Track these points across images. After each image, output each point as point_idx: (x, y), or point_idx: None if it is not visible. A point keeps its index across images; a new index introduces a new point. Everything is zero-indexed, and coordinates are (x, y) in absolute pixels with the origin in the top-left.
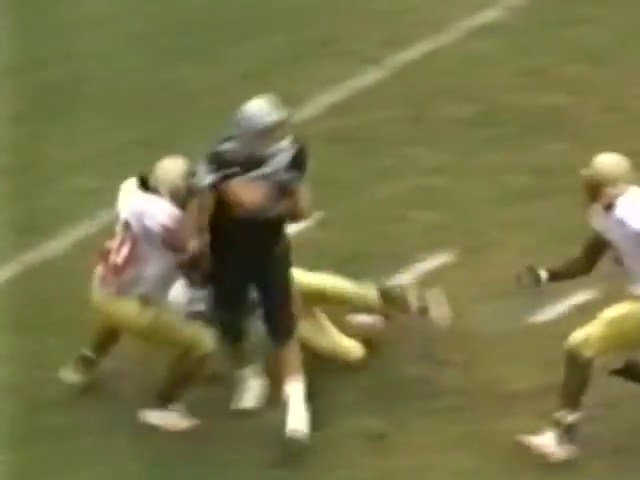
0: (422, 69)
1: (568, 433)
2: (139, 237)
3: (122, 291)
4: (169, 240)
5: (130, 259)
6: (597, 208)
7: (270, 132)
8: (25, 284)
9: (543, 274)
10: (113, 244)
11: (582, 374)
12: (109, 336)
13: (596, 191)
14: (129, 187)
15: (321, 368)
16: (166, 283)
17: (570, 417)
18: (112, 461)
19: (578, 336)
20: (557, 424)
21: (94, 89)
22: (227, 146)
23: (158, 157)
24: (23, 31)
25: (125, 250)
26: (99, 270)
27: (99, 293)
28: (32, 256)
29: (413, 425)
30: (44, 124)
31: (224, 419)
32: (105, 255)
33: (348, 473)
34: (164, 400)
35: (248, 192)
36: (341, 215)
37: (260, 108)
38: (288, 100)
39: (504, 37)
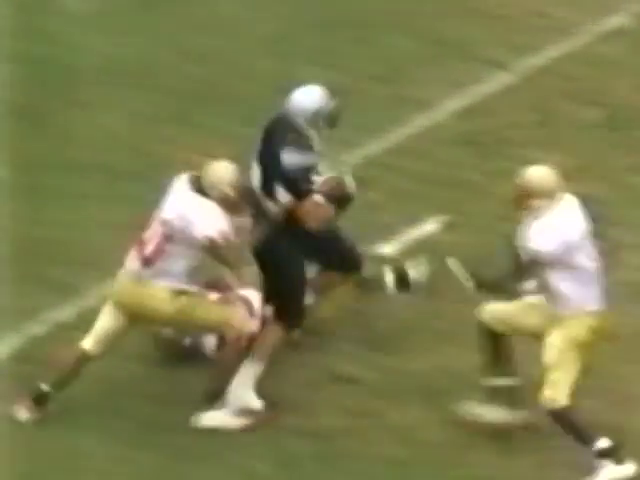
0: (549, 73)
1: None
2: (177, 236)
3: (153, 279)
4: (213, 251)
5: (159, 253)
6: (524, 218)
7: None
8: None
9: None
10: (147, 235)
11: (571, 423)
12: (72, 371)
13: (523, 201)
14: (180, 185)
15: None
16: (195, 274)
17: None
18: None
19: (549, 395)
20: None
21: (221, 92)
22: (301, 158)
23: None
24: (151, 32)
25: (154, 244)
26: (132, 257)
27: (130, 279)
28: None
29: None
30: (170, 125)
31: (343, 417)
32: (140, 245)
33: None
34: (217, 397)
35: (321, 211)
36: (468, 217)
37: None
38: (416, 103)
39: (630, 42)
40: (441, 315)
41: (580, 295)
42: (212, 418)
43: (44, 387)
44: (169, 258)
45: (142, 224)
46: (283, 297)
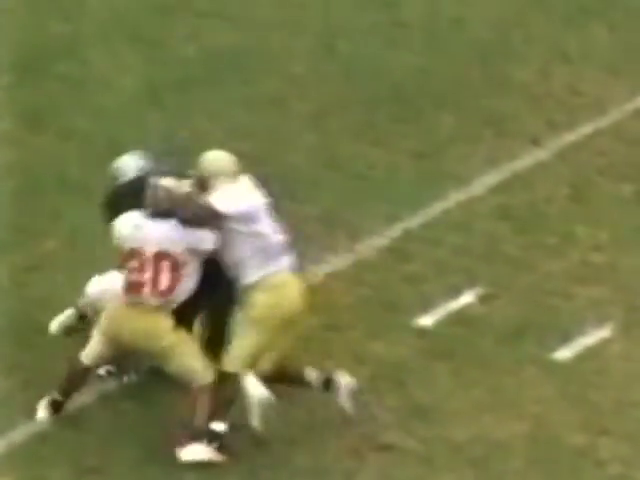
0: (583, 149)
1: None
2: (186, 259)
3: (161, 307)
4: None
5: (176, 281)
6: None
7: None
8: None
9: None
10: (141, 274)
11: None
12: (80, 380)
13: (204, 187)
14: (133, 221)
15: None
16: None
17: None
18: None
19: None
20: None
21: (271, 167)
22: None
23: (337, 232)
24: (200, 109)
25: (167, 277)
26: (132, 295)
27: (133, 308)
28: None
29: None
30: None
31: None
32: (137, 286)
33: None
34: (200, 434)
35: None
36: (506, 290)
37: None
38: (455, 178)
39: None
40: (480, 384)
41: (262, 264)
42: (201, 452)
43: (56, 396)
44: (184, 279)
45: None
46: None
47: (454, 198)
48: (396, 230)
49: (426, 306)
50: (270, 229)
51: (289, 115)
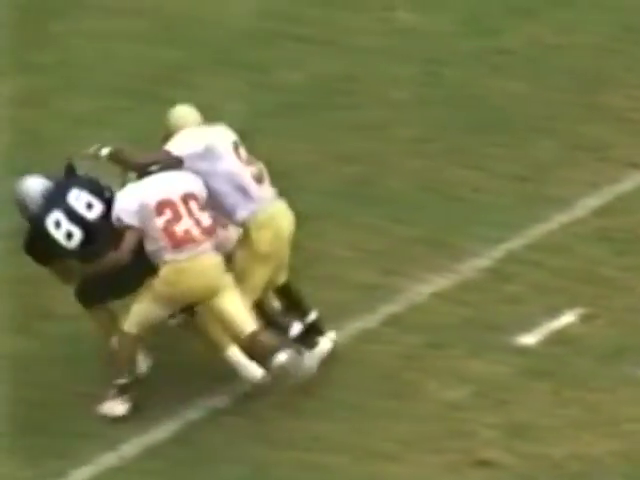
0: None
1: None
2: (202, 199)
3: (215, 253)
4: None
5: (212, 221)
6: None
7: None
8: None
9: None
10: (180, 221)
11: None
12: (133, 351)
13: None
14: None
15: None
16: None
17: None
18: None
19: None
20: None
21: (376, 190)
22: None
23: (440, 253)
24: (306, 135)
25: (208, 217)
26: (185, 246)
27: (204, 258)
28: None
29: None
30: (325, 221)
31: None
32: (185, 235)
33: None
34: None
35: None
36: (606, 310)
37: None
38: (556, 201)
39: None
40: (578, 403)
41: (246, 201)
42: None
43: (122, 380)
44: (221, 227)
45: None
46: None
47: (556, 220)
48: (498, 251)
49: (526, 326)
50: (238, 165)
51: (393, 140)
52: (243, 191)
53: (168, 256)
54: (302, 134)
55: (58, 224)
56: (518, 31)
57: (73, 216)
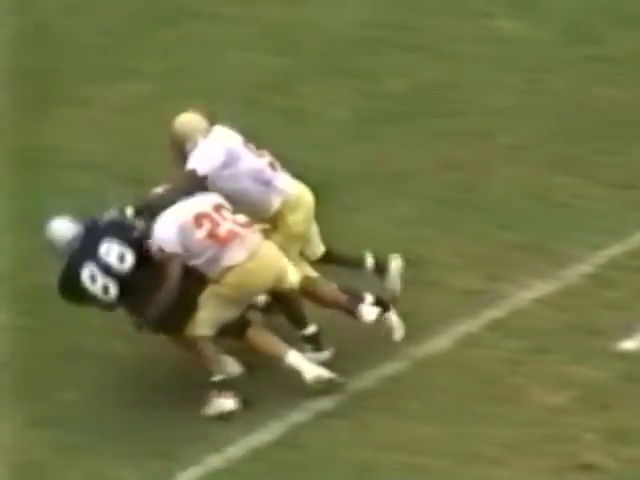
0: None
1: None
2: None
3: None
4: None
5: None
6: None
7: None
8: (413, 376)
9: None
10: (221, 224)
11: None
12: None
13: (177, 149)
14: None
15: None
16: None
17: None
18: None
19: None
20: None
21: (479, 197)
22: None
23: (542, 259)
24: (407, 141)
25: (238, 215)
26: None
27: (262, 250)
28: (419, 350)
29: None
30: (426, 227)
31: None
32: (231, 234)
33: None
34: None
35: None
36: None
37: None
38: None
39: None
40: None
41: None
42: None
43: (218, 377)
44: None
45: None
46: None
47: None
48: (600, 258)
49: (629, 331)
50: (255, 159)
51: (496, 147)
52: (267, 183)
53: (226, 261)
54: (406, 141)
55: (93, 278)
56: (620, 38)
57: (107, 270)
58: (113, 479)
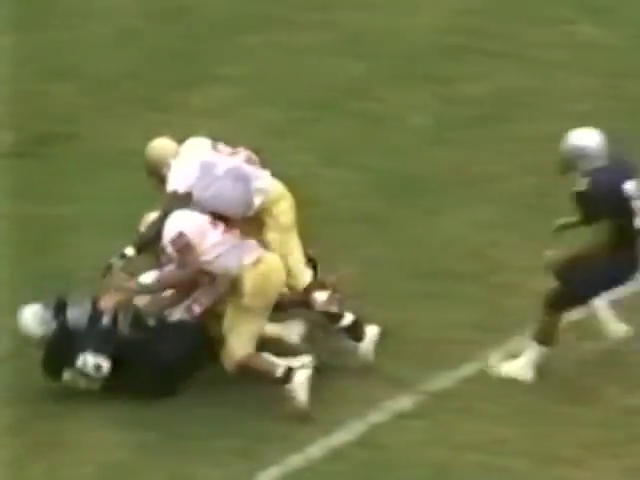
0: None
1: None
2: None
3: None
4: None
5: None
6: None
7: None
8: (491, 377)
9: None
10: (234, 230)
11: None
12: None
13: (155, 176)
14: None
15: None
16: None
17: None
18: None
19: None
20: None
21: (556, 201)
22: None
23: None
24: (487, 145)
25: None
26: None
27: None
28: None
29: None
30: (503, 231)
31: None
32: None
33: None
34: None
35: None
36: None
37: None
38: None
39: None
40: None
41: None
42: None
43: (278, 374)
44: None
45: None
46: None
47: None
48: None
49: None
50: (228, 159)
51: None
52: (247, 180)
53: (247, 258)
54: (486, 145)
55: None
56: None
57: (86, 374)
58: (194, 478)
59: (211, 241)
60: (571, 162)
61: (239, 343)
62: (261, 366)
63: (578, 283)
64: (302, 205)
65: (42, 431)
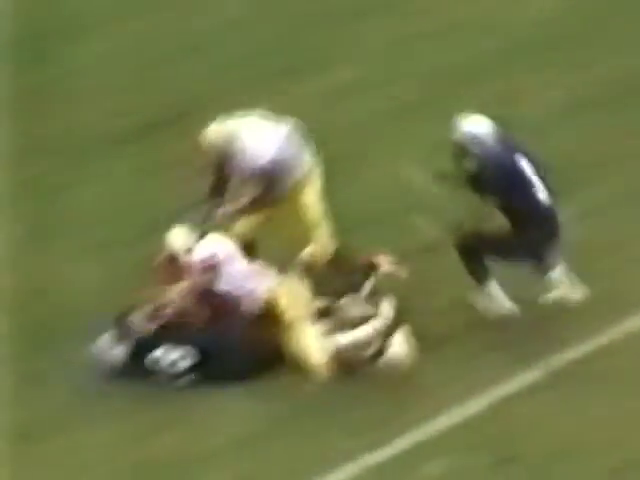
0: None
1: None
2: None
3: None
4: None
5: None
6: None
7: None
8: (623, 349)
9: None
10: None
11: None
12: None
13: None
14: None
15: None
16: None
17: None
18: None
19: None
20: None
21: None
22: None
23: None
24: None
25: None
26: None
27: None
28: (630, 324)
29: None
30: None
31: None
32: None
33: None
34: None
35: None
36: None
37: None
38: None
39: None
40: None
41: None
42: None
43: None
44: None
45: None
46: None
47: None
48: None
49: None
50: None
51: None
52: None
53: (271, 282)
54: (618, 126)
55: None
56: None
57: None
58: (332, 447)
59: (237, 268)
60: (463, 147)
61: (314, 353)
62: (348, 357)
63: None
64: None
65: (175, 404)
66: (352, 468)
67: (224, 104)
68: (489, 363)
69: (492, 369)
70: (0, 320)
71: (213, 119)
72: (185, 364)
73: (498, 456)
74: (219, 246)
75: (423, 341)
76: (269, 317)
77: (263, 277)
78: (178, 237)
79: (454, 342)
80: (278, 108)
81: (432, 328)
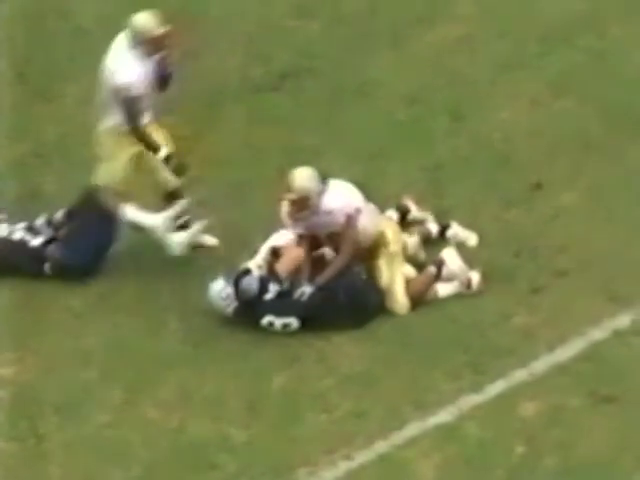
0: None
1: None
2: None
3: None
4: None
5: None
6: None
7: None
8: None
9: None
10: None
11: None
12: None
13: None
14: None
15: None
16: None
17: None
18: None
19: None
20: None
21: None
22: None
23: None
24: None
25: None
26: None
27: None
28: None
29: None
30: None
31: None
32: None
33: None
34: None
35: None
36: None
37: None
38: None
39: None
40: None
41: None
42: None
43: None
44: None
45: None
46: None
47: None
48: None
49: None
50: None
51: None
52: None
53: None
54: None
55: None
56: None
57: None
58: (428, 388)
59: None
60: None
61: (401, 289)
62: (425, 291)
63: None
64: None
65: (286, 344)
66: (452, 410)
67: (347, 53)
68: (584, 306)
69: (588, 312)
70: None
71: (339, 67)
72: (295, 325)
73: (595, 397)
74: (349, 191)
75: (516, 287)
76: (373, 250)
77: (369, 213)
78: (305, 178)
79: (549, 287)
80: (402, 58)
81: (525, 274)
